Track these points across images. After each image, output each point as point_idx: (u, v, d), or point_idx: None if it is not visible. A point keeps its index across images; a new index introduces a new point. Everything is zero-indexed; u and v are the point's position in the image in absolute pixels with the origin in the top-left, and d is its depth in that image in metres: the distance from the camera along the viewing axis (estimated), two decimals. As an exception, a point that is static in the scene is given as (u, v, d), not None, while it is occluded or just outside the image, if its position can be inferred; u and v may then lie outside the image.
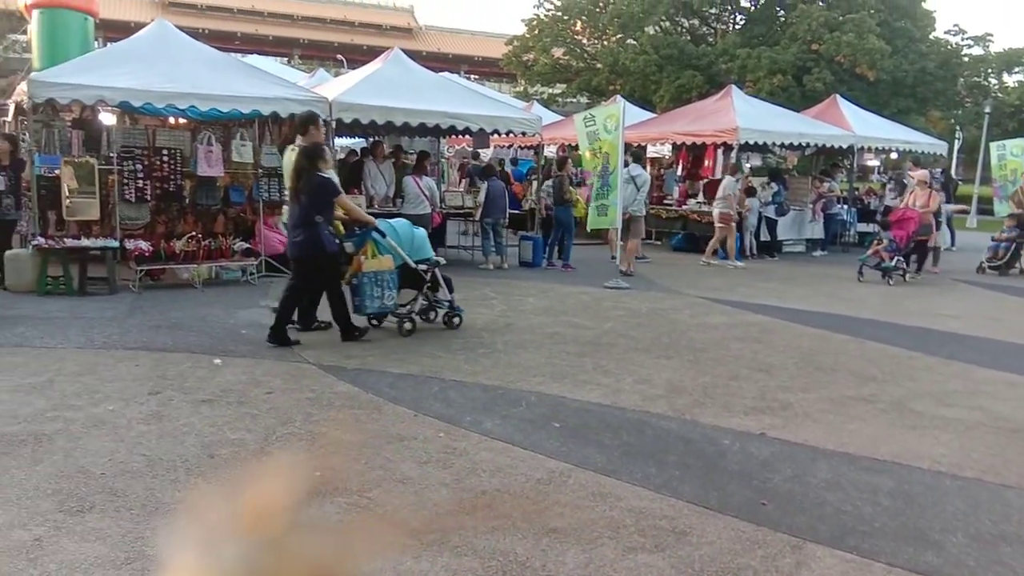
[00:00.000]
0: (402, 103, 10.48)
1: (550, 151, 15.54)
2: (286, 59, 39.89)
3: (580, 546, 3.15)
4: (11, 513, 3.27)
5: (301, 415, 4.64)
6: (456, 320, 7.32)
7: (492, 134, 12.24)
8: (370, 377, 5.52)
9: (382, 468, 3.87)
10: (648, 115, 18.44)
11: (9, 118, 11.24)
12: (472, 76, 43.19)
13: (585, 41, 34.28)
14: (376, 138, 13.06)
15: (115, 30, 29.99)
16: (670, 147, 16.21)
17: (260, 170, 9.81)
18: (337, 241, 6.65)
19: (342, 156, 13.99)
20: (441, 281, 7.17)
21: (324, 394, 5.08)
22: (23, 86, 8.88)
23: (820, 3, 27.85)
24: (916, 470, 4.10)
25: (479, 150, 18.07)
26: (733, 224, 12.22)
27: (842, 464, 4.14)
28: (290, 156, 7.03)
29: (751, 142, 13.76)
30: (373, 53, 18.09)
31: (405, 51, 12.61)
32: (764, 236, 14.06)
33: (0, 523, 3.18)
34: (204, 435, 4.26)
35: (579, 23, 33.28)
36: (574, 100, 33.28)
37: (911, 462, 4.20)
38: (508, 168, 16.51)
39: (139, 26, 13.52)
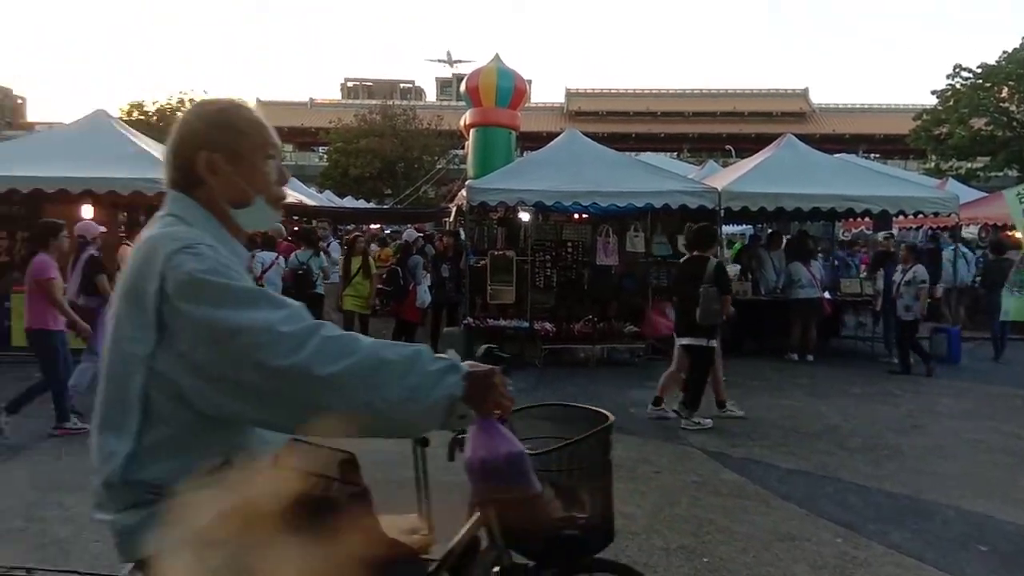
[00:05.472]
0: (792, 188, 10.21)
1: (970, 231, 13.72)
2: (675, 153, 41.81)
3: None
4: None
5: (687, 498, 4.67)
6: None
7: (897, 215, 11.25)
8: (757, 468, 5.34)
9: (772, 565, 3.70)
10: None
11: (451, 218, 13.62)
12: (872, 155, 40.38)
13: (1014, 108, 29.93)
14: (773, 229, 12.94)
15: (531, 140, 34.69)
16: None
17: (651, 258, 10.33)
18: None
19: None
20: None
21: (710, 480, 5.04)
22: (463, 192, 10.72)
23: None
24: None
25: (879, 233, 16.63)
26: None
27: None
28: None
29: None
30: (761, 141, 18.03)
31: (796, 135, 12.35)
32: None
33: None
34: (597, 505, 4.52)
35: (1005, 89, 29.28)
36: (1000, 174, 29.02)
37: None
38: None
39: (550, 135, 15.50)
